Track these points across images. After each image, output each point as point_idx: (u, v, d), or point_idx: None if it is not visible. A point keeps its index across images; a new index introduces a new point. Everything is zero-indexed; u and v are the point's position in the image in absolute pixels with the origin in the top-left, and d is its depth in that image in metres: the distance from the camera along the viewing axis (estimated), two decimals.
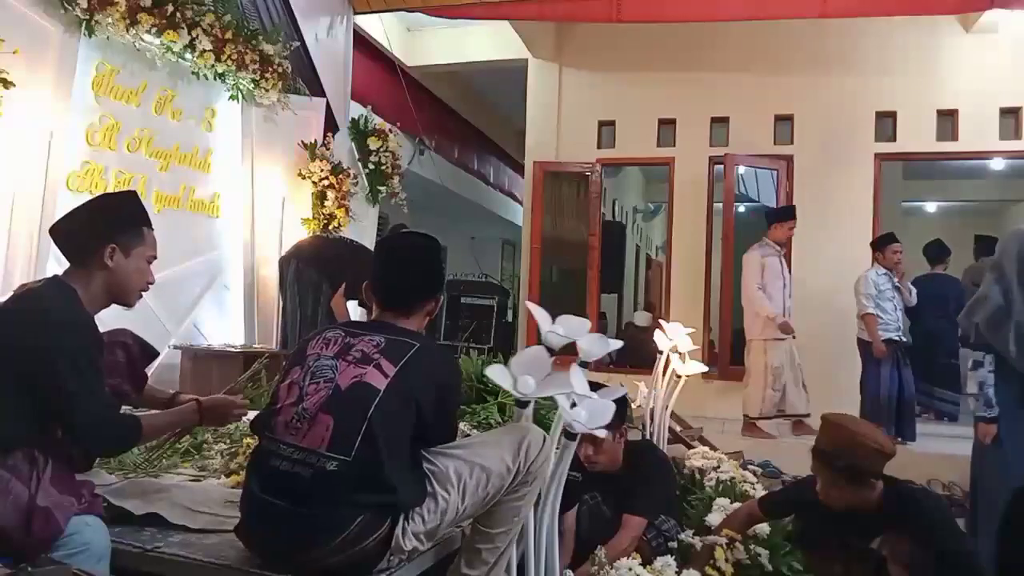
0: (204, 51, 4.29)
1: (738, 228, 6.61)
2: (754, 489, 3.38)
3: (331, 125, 5.44)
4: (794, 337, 5.41)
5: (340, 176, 5.23)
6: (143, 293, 1.94)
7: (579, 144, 7.22)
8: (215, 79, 4.57)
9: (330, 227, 5.16)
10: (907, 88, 6.38)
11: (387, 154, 5.72)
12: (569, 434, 1.88)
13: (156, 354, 2.33)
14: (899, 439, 4.95)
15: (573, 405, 1.87)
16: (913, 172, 9.68)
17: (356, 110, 5.96)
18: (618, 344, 2.24)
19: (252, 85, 4.77)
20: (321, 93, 5.43)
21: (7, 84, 3.23)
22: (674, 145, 7.01)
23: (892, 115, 6.46)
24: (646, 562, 2.47)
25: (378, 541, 1.65)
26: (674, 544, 2.71)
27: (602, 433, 1.92)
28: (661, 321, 3.87)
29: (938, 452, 5.05)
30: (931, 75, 6.36)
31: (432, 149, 7.93)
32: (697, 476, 3.49)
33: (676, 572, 2.48)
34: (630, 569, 2.38)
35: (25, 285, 1.87)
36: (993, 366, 2.97)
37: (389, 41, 7.29)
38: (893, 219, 8.22)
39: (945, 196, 11.68)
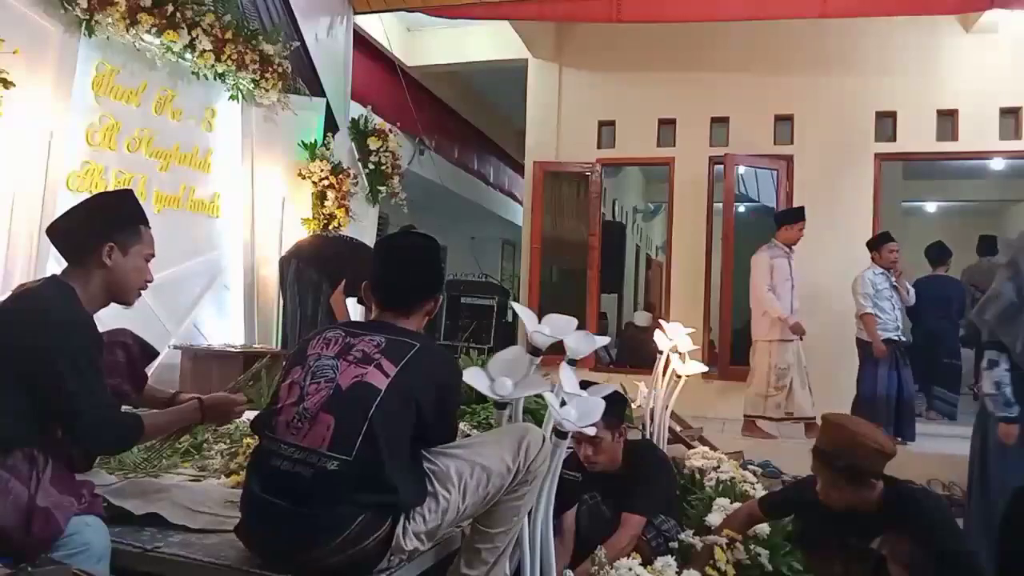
0: (204, 51, 4.29)
1: (738, 228, 6.61)
2: (754, 489, 3.38)
3: (331, 125, 5.44)
4: (802, 338, 5.41)
5: (340, 176, 5.23)
6: (142, 292, 1.94)
7: (579, 144, 7.22)
8: (215, 79, 4.57)
9: (330, 227, 5.16)
10: (907, 88, 6.38)
11: (387, 154, 5.72)
12: (560, 433, 1.88)
13: (156, 354, 2.33)
14: (899, 439, 4.94)
15: (564, 404, 1.87)
16: (913, 172, 9.68)
17: (356, 110, 5.96)
18: (605, 340, 2.25)
19: (252, 85, 4.77)
20: (321, 93, 5.43)
21: (7, 84, 3.23)
22: (674, 145, 7.01)
23: (892, 115, 6.46)
24: (646, 562, 2.47)
25: (379, 541, 1.65)
26: (674, 544, 2.71)
27: (592, 431, 1.92)
28: (661, 321, 3.87)
29: (938, 452, 5.05)
30: (931, 75, 6.36)
31: (432, 149, 7.93)
32: (697, 476, 3.49)
33: (676, 572, 2.48)
34: (630, 569, 2.38)
35: (23, 285, 1.87)
36: (1009, 364, 2.96)
37: (389, 41, 7.29)
38: (893, 219, 8.22)
39: (945, 196, 11.69)
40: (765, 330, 5.43)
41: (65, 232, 1.86)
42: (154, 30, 4.02)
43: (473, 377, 1.85)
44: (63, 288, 1.79)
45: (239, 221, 4.99)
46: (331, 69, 5.64)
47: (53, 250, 1.94)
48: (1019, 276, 2.97)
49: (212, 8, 4.35)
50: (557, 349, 2.05)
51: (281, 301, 4.58)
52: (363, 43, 6.73)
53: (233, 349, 4.38)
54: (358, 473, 1.62)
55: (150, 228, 1.94)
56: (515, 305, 2.19)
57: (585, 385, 2.06)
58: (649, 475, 2.85)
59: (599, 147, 7.24)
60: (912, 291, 5.54)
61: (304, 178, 5.16)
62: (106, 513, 1.80)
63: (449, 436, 1.89)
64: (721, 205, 6.58)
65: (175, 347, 4.28)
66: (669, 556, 2.56)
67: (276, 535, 1.66)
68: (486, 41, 7.74)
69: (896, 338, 5.26)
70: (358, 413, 1.66)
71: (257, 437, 1.84)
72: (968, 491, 3.45)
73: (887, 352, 5.16)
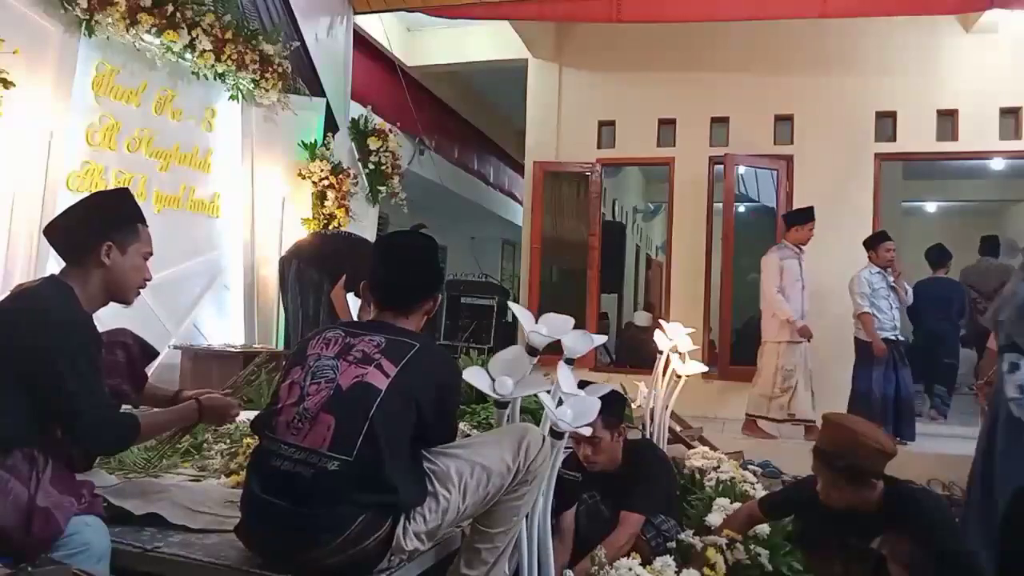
0: (204, 51, 4.29)
1: (738, 228, 6.61)
2: (754, 489, 3.38)
3: (331, 125, 5.44)
4: (809, 340, 5.40)
5: (340, 176, 5.23)
6: (141, 290, 1.94)
7: (579, 144, 7.22)
8: (215, 79, 4.57)
9: (330, 227, 5.16)
10: (907, 88, 6.38)
11: (387, 154, 5.72)
12: (556, 433, 1.88)
13: (156, 354, 2.33)
14: (898, 439, 4.94)
15: (560, 404, 1.87)
16: (913, 172, 9.67)
17: (356, 110, 5.96)
18: (603, 339, 2.25)
19: (252, 85, 4.77)
20: (321, 93, 5.43)
21: (7, 84, 3.23)
22: (674, 145, 7.01)
23: (892, 115, 6.46)
24: (646, 562, 2.47)
25: (379, 541, 1.65)
26: (673, 544, 2.71)
27: (588, 431, 1.92)
28: (661, 321, 3.87)
29: (938, 452, 5.05)
30: (931, 75, 6.36)
31: (432, 149, 7.93)
32: (697, 476, 3.49)
33: (676, 572, 2.48)
34: (630, 569, 2.37)
35: (22, 285, 1.87)
36: None
37: (389, 41, 7.29)
38: (893, 219, 8.22)
39: (945, 196, 11.68)
40: (775, 331, 5.43)
41: (63, 232, 1.86)
42: (154, 30, 4.02)
43: (474, 376, 1.85)
44: (62, 288, 1.78)
45: (239, 221, 4.99)
46: (331, 69, 5.64)
47: (53, 250, 1.94)
48: None
49: (212, 8, 4.35)
50: (557, 348, 2.05)
51: (282, 302, 4.56)
52: (363, 43, 6.73)
53: (233, 349, 4.38)
54: (358, 473, 1.62)
55: (148, 226, 1.94)
56: (512, 305, 2.20)
57: (584, 385, 2.06)
58: (649, 474, 2.85)
59: (599, 147, 7.24)
60: (910, 291, 5.55)
61: (304, 178, 5.16)
62: (106, 513, 1.80)
63: (449, 436, 1.89)
64: (721, 205, 6.58)
65: (175, 347, 4.28)
66: (669, 556, 2.56)
67: (276, 535, 1.66)
68: (486, 41, 7.74)
69: (893, 337, 5.26)
70: (358, 413, 1.66)
71: (257, 437, 1.84)
72: (968, 491, 3.44)
73: (886, 351, 5.16)
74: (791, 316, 5.30)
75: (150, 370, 2.33)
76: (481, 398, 3.11)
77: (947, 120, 6.34)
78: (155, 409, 2.21)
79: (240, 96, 4.80)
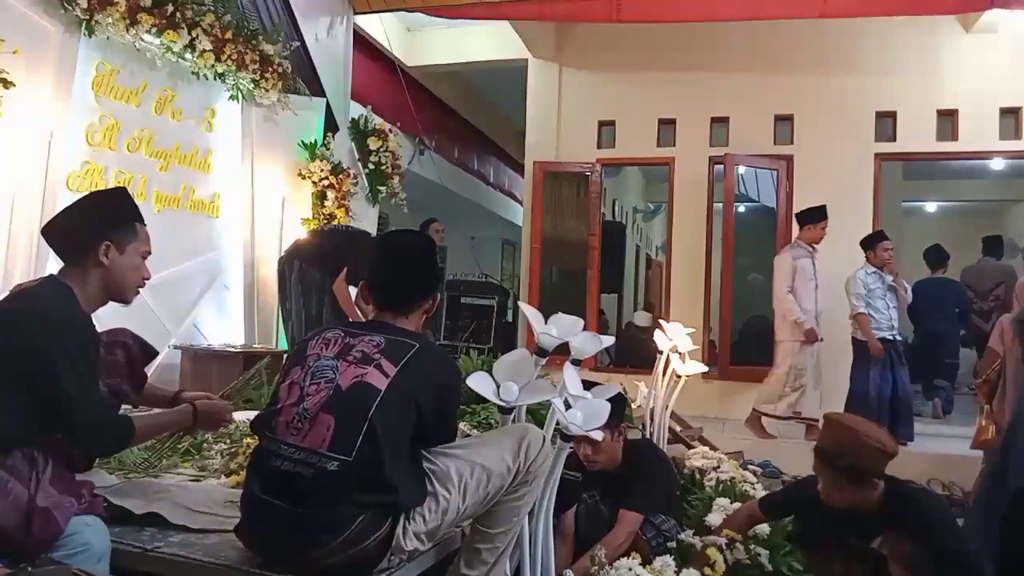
0: (204, 51, 4.29)
1: (738, 228, 6.61)
2: (754, 489, 3.38)
3: (331, 125, 5.44)
4: (821, 340, 5.39)
5: (340, 176, 5.23)
6: (140, 290, 1.94)
7: (579, 144, 7.22)
8: (215, 79, 4.57)
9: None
10: (907, 88, 6.38)
11: (387, 154, 5.72)
12: (565, 436, 1.88)
13: (155, 354, 2.33)
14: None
15: (568, 407, 1.86)
16: (913, 172, 9.67)
17: (356, 110, 5.96)
18: (610, 340, 2.25)
19: (252, 85, 4.77)
20: (321, 93, 5.43)
21: (7, 84, 3.23)
22: (674, 145, 7.00)
23: (892, 115, 6.45)
24: (646, 561, 2.47)
25: (379, 541, 1.65)
26: (673, 544, 2.71)
27: (598, 435, 1.92)
28: (661, 321, 3.87)
29: (938, 452, 5.05)
30: (931, 75, 6.36)
31: (432, 149, 7.93)
32: (697, 476, 3.49)
33: (676, 572, 2.48)
34: (630, 569, 2.38)
35: (21, 285, 1.87)
36: None
37: (389, 41, 7.29)
38: (893, 219, 8.22)
39: (945, 196, 11.68)
40: (788, 331, 5.41)
41: (61, 232, 1.86)
42: (154, 30, 4.02)
43: (478, 383, 1.83)
44: (61, 288, 1.78)
45: (239, 221, 4.98)
46: (331, 69, 5.63)
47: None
48: None
49: (212, 8, 4.35)
50: (559, 348, 2.05)
51: (285, 303, 4.52)
52: (363, 43, 6.73)
53: (233, 349, 4.38)
54: (358, 473, 1.62)
55: (146, 225, 1.94)
56: (523, 305, 2.19)
57: (587, 385, 2.05)
58: (649, 474, 2.85)
59: (599, 147, 7.23)
60: (909, 290, 5.55)
61: (304, 178, 5.16)
62: (106, 513, 1.80)
63: (449, 436, 1.89)
64: (721, 205, 6.58)
65: (175, 347, 4.28)
66: (668, 556, 2.56)
67: (276, 535, 1.66)
68: (486, 41, 7.74)
69: (891, 337, 5.26)
70: (358, 413, 1.66)
71: (257, 437, 1.84)
72: (978, 486, 3.44)
73: (881, 351, 5.15)
74: (799, 317, 5.29)
75: (150, 370, 2.33)
76: (481, 398, 3.09)
77: (947, 120, 6.34)
78: (152, 411, 2.21)
79: (240, 96, 4.80)
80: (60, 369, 1.65)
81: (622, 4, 5.71)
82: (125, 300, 1.91)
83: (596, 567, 2.38)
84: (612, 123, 7.18)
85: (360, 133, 5.66)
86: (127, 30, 3.88)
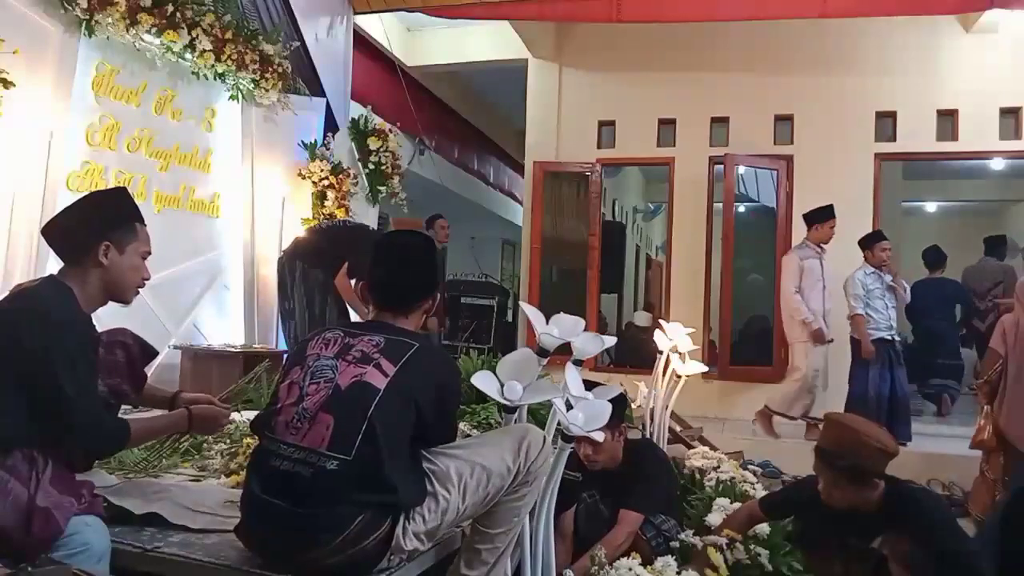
0: (204, 51, 4.29)
1: (738, 228, 6.61)
2: (754, 489, 3.37)
3: (331, 125, 5.44)
4: (831, 341, 5.38)
5: (340, 176, 5.23)
6: (140, 290, 1.93)
7: (579, 144, 7.22)
8: (215, 79, 4.57)
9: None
10: (907, 88, 6.38)
11: (387, 154, 5.72)
12: (567, 437, 1.88)
13: (155, 354, 2.33)
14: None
15: (570, 407, 1.86)
16: (913, 172, 9.67)
17: (356, 110, 5.96)
18: (612, 340, 2.24)
19: (252, 85, 4.77)
20: (321, 93, 5.44)
21: (7, 84, 3.23)
22: (674, 145, 7.00)
23: (892, 115, 6.45)
24: (646, 561, 2.47)
25: (378, 541, 1.65)
26: (674, 544, 2.71)
27: (599, 436, 1.92)
28: (661, 321, 3.87)
29: (938, 452, 5.05)
30: (931, 75, 6.36)
31: (432, 149, 7.94)
32: (697, 476, 3.48)
33: (676, 572, 2.48)
34: (630, 569, 2.38)
35: (21, 285, 1.87)
36: None
37: (389, 41, 7.29)
38: (893, 219, 8.22)
39: (945, 196, 11.68)
40: (799, 332, 5.38)
41: (61, 232, 1.86)
42: (154, 30, 4.02)
43: (483, 382, 1.83)
44: (61, 288, 1.78)
45: (239, 221, 4.99)
46: (331, 69, 5.64)
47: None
48: None
49: (212, 8, 4.35)
50: (561, 348, 2.05)
51: (287, 303, 4.50)
52: (363, 43, 6.73)
53: (233, 349, 4.38)
54: (358, 473, 1.62)
55: (146, 225, 1.93)
56: (524, 306, 2.18)
57: (588, 386, 2.05)
58: (649, 474, 2.85)
59: (599, 147, 7.23)
60: (908, 290, 5.56)
61: (304, 178, 5.16)
62: (106, 513, 1.80)
63: (449, 436, 1.89)
64: (721, 205, 6.57)
65: (175, 347, 4.28)
66: (669, 556, 2.56)
67: (276, 535, 1.66)
68: (486, 41, 7.74)
69: (889, 337, 5.26)
70: (357, 413, 1.66)
71: (257, 437, 1.84)
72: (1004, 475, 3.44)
73: (877, 353, 5.15)
74: (805, 317, 5.28)
75: (150, 370, 2.32)
76: (481, 398, 3.10)
77: (947, 120, 6.34)
78: (148, 414, 2.21)
79: (240, 96, 4.80)
80: (59, 369, 1.65)
81: (622, 4, 5.71)
82: (125, 300, 1.91)
83: (596, 567, 2.38)
84: (612, 123, 7.18)
85: (360, 133, 5.66)
86: (127, 30, 3.88)
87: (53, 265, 3.21)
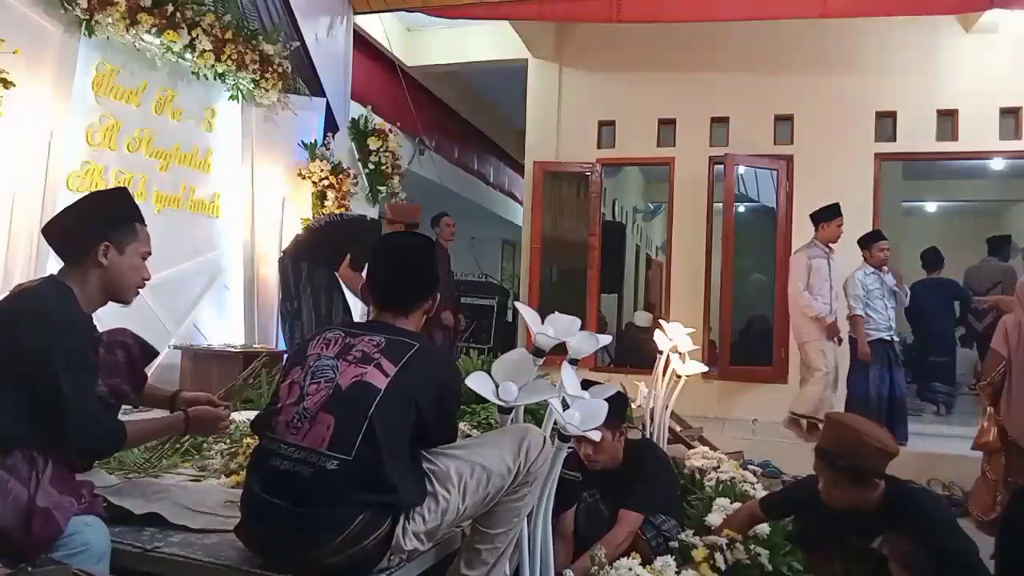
0: (204, 51, 4.29)
1: (738, 228, 6.61)
2: (754, 489, 3.37)
3: (331, 125, 5.44)
4: (840, 341, 5.38)
5: (340, 176, 5.22)
6: (140, 290, 1.93)
7: (579, 144, 7.22)
8: (215, 79, 4.57)
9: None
10: (907, 88, 6.38)
11: (387, 154, 5.71)
12: (563, 436, 1.87)
13: (156, 354, 2.33)
14: None
15: (566, 406, 1.85)
16: (913, 172, 9.67)
17: (356, 110, 5.96)
18: (607, 339, 2.24)
19: (252, 85, 4.77)
20: (321, 93, 5.43)
21: (7, 84, 3.23)
22: (674, 145, 7.01)
23: (892, 115, 6.45)
24: (646, 561, 2.47)
25: (378, 541, 1.65)
26: (674, 544, 2.71)
27: (596, 435, 1.91)
28: (661, 321, 3.87)
29: (938, 452, 5.05)
30: (931, 75, 6.36)
31: (432, 149, 7.93)
32: (697, 476, 3.48)
33: (676, 572, 2.48)
34: (630, 569, 2.38)
35: (21, 285, 1.87)
36: None
37: (389, 41, 7.29)
38: (893, 219, 8.22)
39: (945, 196, 11.68)
40: (812, 331, 5.36)
41: (61, 232, 1.86)
42: (154, 30, 4.02)
43: (477, 383, 1.83)
44: (61, 288, 1.78)
45: (239, 221, 4.98)
46: (331, 69, 5.64)
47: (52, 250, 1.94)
48: None
49: (212, 8, 4.35)
50: (559, 348, 2.04)
51: (293, 304, 4.49)
52: (363, 43, 6.73)
53: (233, 349, 4.37)
54: (358, 473, 1.62)
55: (146, 225, 1.93)
56: (519, 305, 2.18)
57: (586, 385, 2.05)
58: (649, 474, 2.85)
59: (599, 147, 7.24)
60: (908, 293, 5.57)
61: (304, 178, 5.16)
62: (106, 513, 1.80)
63: (450, 436, 1.89)
64: (721, 205, 6.58)
65: (175, 347, 4.28)
66: (669, 556, 2.56)
67: (276, 535, 1.66)
68: (486, 41, 7.74)
69: (888, 338, 5.26)
70: (358, 413, 1.66)
71: (257, 437, 1.84)
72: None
73: (876, 353, 5.15)
74: (819, 313, 5.26)
75: (150, 370, 2.32)
76: (481, 398, 3.09)
77: (947, 120, 6.34)
78: (148, 415, 2.21)
79: (240, 96, 4.80)
80: (57, 369, 1.65)
81: (622, 4, 5.71)
82: (125, 300, 1.91)
83: (596, 567, 2.38)
84: (612, 123, 7.18)
85: (360, 133, 5.66)
86: (127, 30, 3.88)
87: (53, 265, 3.21)
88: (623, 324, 9.10)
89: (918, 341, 7.02)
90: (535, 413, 2.82)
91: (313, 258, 4.42)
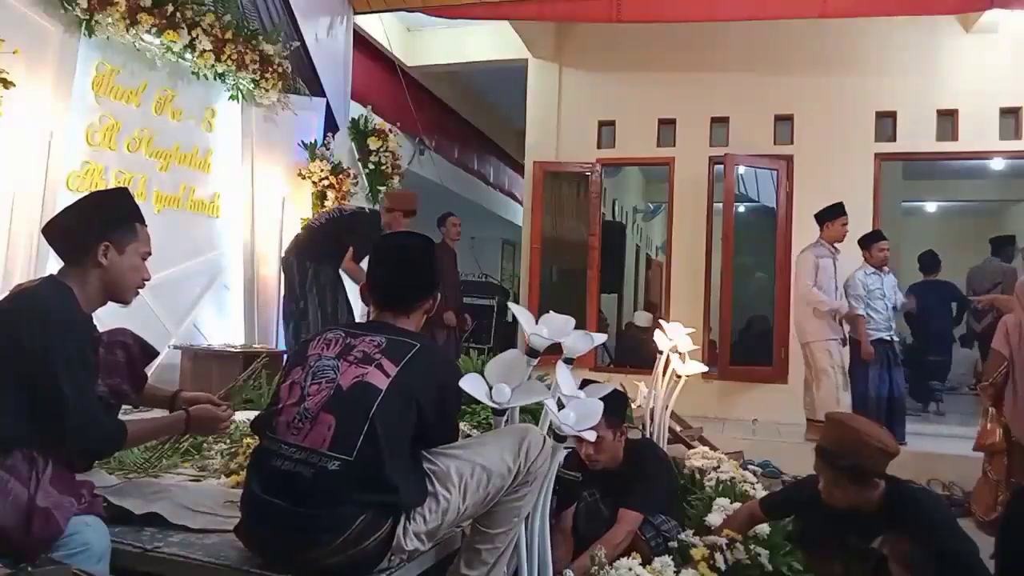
0: (204, 51, 4.29)
1: (738, 228, 6.61)
2: (754, 489, 3.37)
3: (331, 125, 5.44)
4: (845, 341, 5.36)
5: (340, 176, 5.23)
6: (140, 290, 1.93)
7: (579, 144, 7.22)
8: (215, 79, 4.57)
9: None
10: (907, 88, 6.38)
11: (387, 154, 5.72)
12: (558, 436, 1.87)
13: (156, 354, 2.33)
14: None
15: (561, 406, 1.85)
16: (913, 172, 9.67)
17: (356, 110, 5.96)
18: (602, 338, 2.23)
19: (252, 85, 4.77)
20: (321, 93, 5.43)
21: (7, 84, 3.23)
22: (674, 145, 7.01)
23: (892, 115, 6.45)
24: (646, 561, 2.47)
25: (379, 541, 1.65)
26: (674, 544, 2.71)
27: (591, 435, 1.91)
28: (661, 321, 3.86)
29: (938, 452, 5.05)
30: (931, 75, 6.36)
31: (432, 149, 7.93)
32: (697, 476, 3.48)
33: (675, 572, 2.48)
34: (630, 569, 2.37)
35: (21, 285, 1.87)
36: None
37: (389, 41, 7.29)
38: (893, 219, 8.23)
39: (945, 196, 11.68)
40: (819, 331, 5.34)
41: (61, 232, 1.86)
42: (154, 30, 4.02)
43: (470, 385, 1.82)
44: (61, 288, 1.78)
45: (239, 221, 4.99)
46: (331, 69, 5.64)
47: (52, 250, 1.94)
48: None
49: (212, 8, 4.35)
50: (556, 347, 2.04)
51: (299, 303, 4.48)
52: (363, 43, 6.73)
53: (233, 349, 4.38)
54: (359, 473, 1.62)
55: (146, 226, 1.93)
56: (512, 306, 2.17)
57: (584, 384, 2.05)
58: (649, 474, 2.85)
59: (599, 147, 7.24)
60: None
61: (304, 178, 5.16)
62: (106, 513, 1.79)
63: (450, 436, 1.89)
64: (721, 205, 6.58)
65: (175, 347, 4.28)
66: (668, 556, 2.56)
67: (276, 535, 1.65)
68: (486, 41, 7.74)
69: (888, 338, 5.26)
70: (359, 413, 1.66)
71: (257, 437, 1.84)
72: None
73: (876, 353, 5.14)
74: (832, 304, 5.22)
75: (150, 370, 2.32)
76: None
77: (947, 120, 6.34)
78: (148, 415, 2.21)
79: (240, 96, 4.80)
80: (57, 369, 1.65)
81: (622, 4, 5.72)
82: (124, 301, 1.91)
83: (596, 567, 2.37)
84: (612, 123, 7.18)
85: (360, 133, 5.66)
86: (127, 30, 3.88)
87: (53, 265, 3.21)
88: (623, 324, 9.11)
89: (918, 341, 7.04)
90: (535, 413, 2.82)
91: (317, 256, 4.42)
